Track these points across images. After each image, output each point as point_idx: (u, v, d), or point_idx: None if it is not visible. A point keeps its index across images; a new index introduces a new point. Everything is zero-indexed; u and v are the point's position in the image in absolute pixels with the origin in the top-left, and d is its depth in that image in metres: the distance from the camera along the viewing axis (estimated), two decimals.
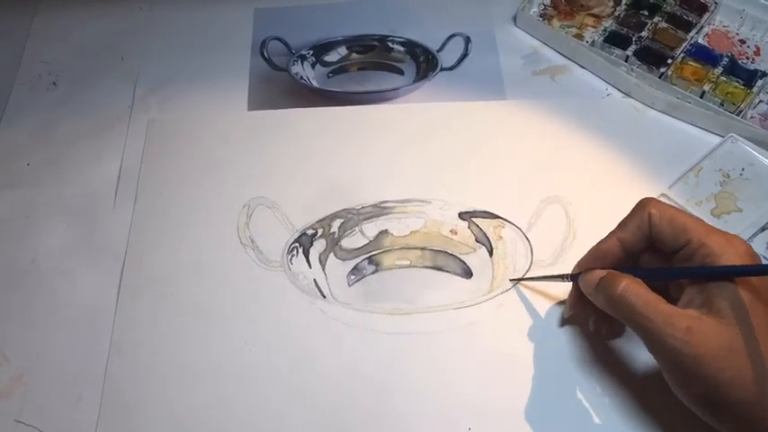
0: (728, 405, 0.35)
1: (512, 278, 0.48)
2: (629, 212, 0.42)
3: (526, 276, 0.48)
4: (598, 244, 0.42)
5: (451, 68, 0.61)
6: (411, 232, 0.51)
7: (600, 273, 0.40)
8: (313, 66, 0.62)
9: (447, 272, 0.49)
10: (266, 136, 0.56)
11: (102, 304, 0.48)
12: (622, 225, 0.41)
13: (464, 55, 0.61)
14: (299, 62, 0.62)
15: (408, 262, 0.50)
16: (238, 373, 0.45)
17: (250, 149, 0.55)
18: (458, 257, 0.50)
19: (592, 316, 0.44)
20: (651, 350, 0.38)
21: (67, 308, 0.48)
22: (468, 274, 0.49)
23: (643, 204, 0.41)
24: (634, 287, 0.38)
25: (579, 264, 0.43)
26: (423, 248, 0.50)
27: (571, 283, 0.44)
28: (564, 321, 0.46)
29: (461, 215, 0.51)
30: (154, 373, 0.45)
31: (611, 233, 0.42)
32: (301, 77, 0.60)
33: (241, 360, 0.46)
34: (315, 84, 0.60)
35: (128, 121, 0.57)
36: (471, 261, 0.50)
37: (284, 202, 0.52)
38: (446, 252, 0.50)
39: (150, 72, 0.60)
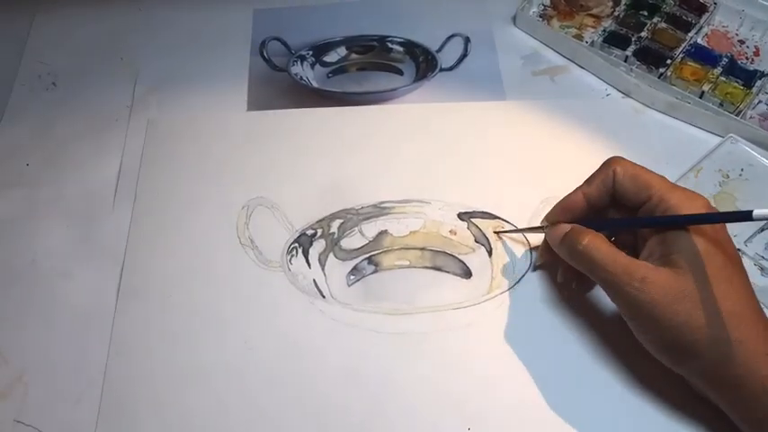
0: (685, 348, 0.38)
1: (495, 230, 0.50)
2: (596, 170, 0.44)
3: (507, 229, 0.50)
4: (565, 198, 0.44)
5: (451, 69, 0.61)
6: (410, 232, 0.51)
7: (565, 227, 0.43)
8: (312, 66, 0.62)
9: (446, 272, 0.49)
10: (266, 136, 0.56)
11: (102, 304, 0.48)
12: (589, 180, 0.44)
13: (463, 55, 0.61)
14: (299, 62, 0.62)
15: (408, 262, 0.50)
16: (238, 373, 0.45)
17: (249, 150, 0.55)
18: (457, 258, 0.50)
19: (560, 268, 0.46)
20: (614, 300, 0.40)
21: (67, 308, 0.48)
22: (467, 274, 0.49)
23: (608, 162, 0.43)
24: (596, 242, 0.41)
25: (547, 216, 0.46)
26: (422, 249, 0.50)
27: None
28: (535, 268, 0.48)
29: (461, 216, 0.51)
30: (153, 373, 0.45)
31: (578, 188, 0.44)
32: (301, 78, 0.60)
33: (241, 360, 0.45)
34: (314, 84, 0.60)
35: (127, 122, 0.57)
36: (470, 261, 0.50)
37: (284, 203, 0.52)
38: (445, 252, 0.50)
39: (150, 72, 0.60)
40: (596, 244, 0.41)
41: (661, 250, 0.40)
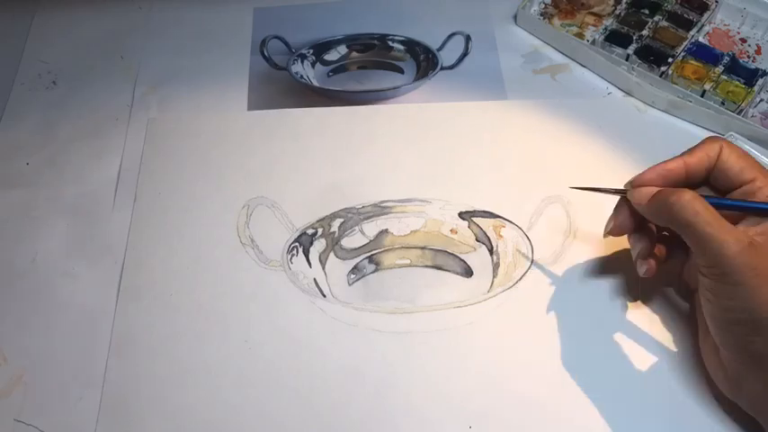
0: (757, 324, 0.36)
1: (572, 186, 0.46)
2: (696, 144, 0.42)
3: (584, 186, 0.45)
4: (663, 163, 0.42)
5: (452, 67, 0.60)
6: (411, 231, 0.51)
7: (654, 189, 0.41)
8: (313, 65, 0.62)
9: (447, 271, 0.49)
10: (266, 135, 0.56)
11: (102, 304, 0.48)
12: (691, 152, 0.42)
13: (464, 54, 0.61)
14: (299, 61, 0.61)
15: (409, 261, 0.49)
16: (238, 372, 0.45)
17: (250, 149, 0.55)
18: (458, 257, 0.50)
19: (630, 237, 0.44)
20: (704, 258, 0.37)
21: (67, 308, 0.48)
22: (468, 273, 0.49)
23: (712, 138, 0.42)
24: (700, 199, 0.38)
25: (635, 179, 0.43)
26: (423, 248, 0.50)
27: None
28: (605, 235, 0.44)
29: (462, 215, 0.51)
30: (153, 373, 0.45)
31: (679, 156, 0.42)
32: (301, 76, 0.60)
33: (241, 360, 0.45)
34: (315, 83, 0.60)
35: (127, 121, 0.57)
36: (471, 260, 0.49)
37: (284, 202, 0.52)
38: (446, 251, 0.50)
39: (150, 71, 0.60)
40: (701, 201, 0.38)
41: (760, 230, 0.38)
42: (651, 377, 0.44)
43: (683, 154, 0.42)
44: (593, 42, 0.59)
